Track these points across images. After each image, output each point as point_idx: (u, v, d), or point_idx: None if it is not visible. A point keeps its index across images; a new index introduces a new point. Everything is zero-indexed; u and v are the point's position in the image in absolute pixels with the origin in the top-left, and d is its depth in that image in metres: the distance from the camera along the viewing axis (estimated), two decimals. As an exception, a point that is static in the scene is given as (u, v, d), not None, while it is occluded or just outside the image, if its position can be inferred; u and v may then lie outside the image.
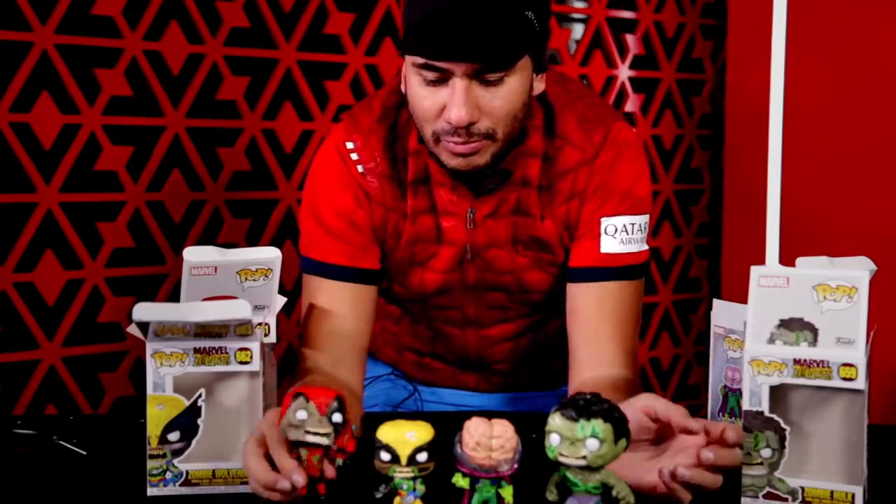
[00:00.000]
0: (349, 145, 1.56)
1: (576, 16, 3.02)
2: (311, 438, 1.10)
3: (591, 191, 1.53)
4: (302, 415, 1.09)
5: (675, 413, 1.16)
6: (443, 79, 1.41)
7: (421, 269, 1.59)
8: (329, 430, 1.10)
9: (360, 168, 1.56)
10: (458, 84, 1.40)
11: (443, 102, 1.42)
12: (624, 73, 3.10)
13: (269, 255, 1.43)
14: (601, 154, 1.53)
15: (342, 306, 1.56)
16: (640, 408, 1.18)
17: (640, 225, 1.55)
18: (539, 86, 1.50)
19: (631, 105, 3.12)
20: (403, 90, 1.50)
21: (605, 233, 1.53)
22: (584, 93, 1.61)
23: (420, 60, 1.41)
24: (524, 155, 1.53)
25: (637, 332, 1.58)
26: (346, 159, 1.56)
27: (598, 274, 1.53)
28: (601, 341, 1.52)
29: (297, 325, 1.63)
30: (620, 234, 1.54)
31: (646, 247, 1.56)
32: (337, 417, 1.09)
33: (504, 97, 1.42)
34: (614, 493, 1.02)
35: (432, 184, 1.55)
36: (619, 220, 1.54)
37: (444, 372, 1.74)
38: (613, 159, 1.53)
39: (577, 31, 3.02)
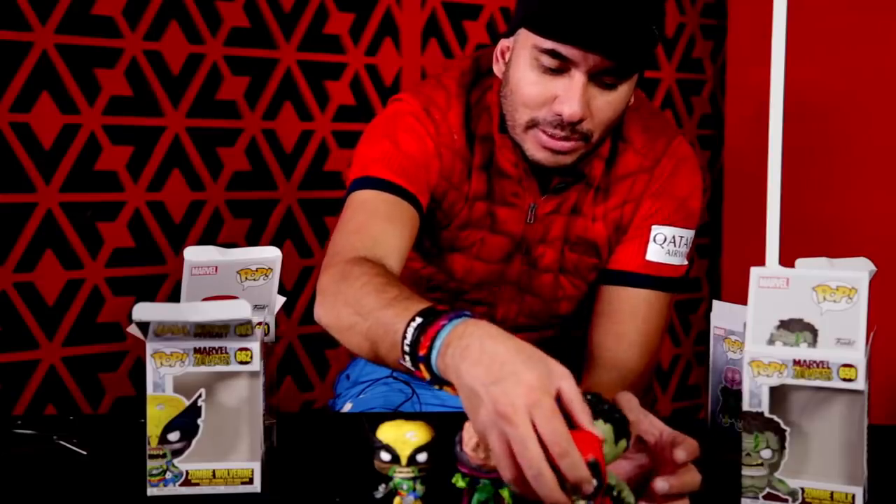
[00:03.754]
0: (428, 111, 1.51)
1: (576, 16, 3.02)
2: None
3: (647, 196, 1.53)
4: None
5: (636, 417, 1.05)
6: (561, 69, 1.38)
7: (465, 257, 1.56)
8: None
9: (437, 130, 1.50)
10: (579, 78, 1.37)
11: (553, 93, 1.39)
12: (624, 73, 3.10)
13: (270, 254, 1.43)
14: (662, 162, 1.53)
15: (393, 217, 1.44)
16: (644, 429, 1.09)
17: (686, 239, 1.55)
18: (633, 99, 1.48)
19: (631, 105, 3.12)
20: (498, 72, 1.46)
21: (654, 241, 1.53)
22: (646, 102, 1.61)
23: (547, 45, 1.36)
24: (593, 156, 1.52)
25: (660, 344, 1.58)
26: (426, 121, 1.50)
27: (638, 280, 1.53)
28: (627, 346, 1.52)
29: (313, 300, 1.42)
30: (668, 245, 1.53)
31: (686, 262, 1.56)
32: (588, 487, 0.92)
33: (613, 103, 1.41)
34: (615, 492, 1.02)
35: (493, 172, 1.53)
36: (669, 231, 1.53)
37: None
38: (673, 170, 1.54)
39: (577, 31, 3.02)
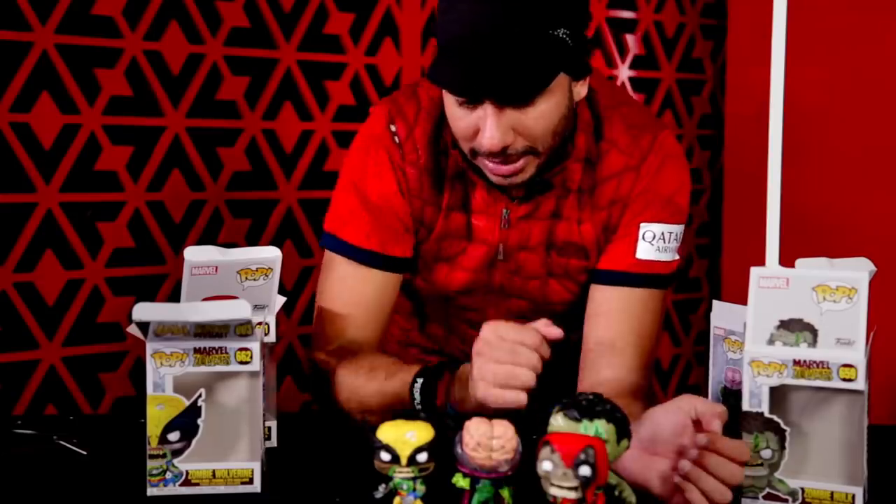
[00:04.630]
0: (392, 128, 1.54)
1: (576, 16, 3.02)
2: (556, 492, 0.97)
3: (634, 196, 1.52)
4: (547, 466, 0.97)
5: (708, 412, 1.13)
6: (474, 100, 1.39)
7: (448, 266, 1.58)
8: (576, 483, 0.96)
9: (401, 153, 1.54)
10: (490, 110, 1.38)
11: (476, 124, 1.40)
12: (624, 73, 3.10)
13: (270, 254, 1.43)
14: (647, 161, 1.52)
15: (368, 294, 1.55)
16: (681, 406, 1.16)
17: (676, 234, 1.54)
18: (581, 90, 1.47)
19: (631, 105, 3.12)
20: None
21: (643, 238, 1.52)
22: (630, 99, 1.61)
23: None
24: (569, 160, 1.52)
25: (656, 341, 1.57)
26: (389, 144, 1.54)
27: (631, 279, 1.52)
28: (622, 347, 1.51)
29: (313, 300, 1.62)
30: (657, 242, 1.52)
31: (677, 257, 1.55)
32: (585, 470, 0.95)
33: (539, 117, 1.40)
34: (616, 492, 1.02)
35: (468, 181, 1.54)
36: (658, 228, 1.52)
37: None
38: (659, 167, 1.53)
39: (577, 31, 3.02)
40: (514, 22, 1.34)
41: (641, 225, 1.52)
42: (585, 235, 1.54)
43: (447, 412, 1.37)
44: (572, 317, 1.61)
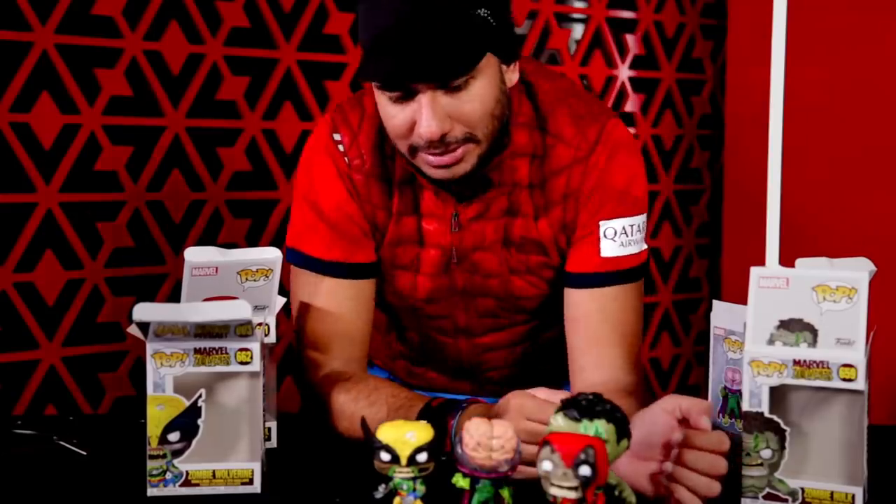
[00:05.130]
0: (336, 137, 1.55)
1: (576, 16, 3.02)
2: (556, 492, 0.96)
3: (586, 191, 1.51)
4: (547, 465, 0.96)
5: (694, 409, 1.15)
6: (407, 95, 1.39)
7: (410, 273, 1.58)
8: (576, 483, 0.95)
9: (346, 160, 1.54)
10: (424, 99, 1.38)
11: (412, 118, 1.40)
12: (624, 73, 3.10)
13: (270, 255, 1.43)
14: (596, 152, 1.50)
15: (343, 305, 1.55)
16: (665, 408, 1.17)
17: (638, 225, 1.53)
18: (512, 76, 1.48)
19: (631, 105, 3.12)
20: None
21: (605, 236, 1.51)
22: (576, 90, 1.58)
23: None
24: (511, 157, 1.51)
25: (640, 333, 1.57)
26: (334, 152, 1.55)
27: (600, 279, 1.52)
28: (605, 346, 1.51)
29: (290, 319, 1.61)
30: (620, 237, 1.52)
31: (645, 246, 1.55)
32: (585, 470, 0.95)
33: (473, 100, 1.40)
34: (616, 492, 1.02)
35: (417, 185, 1.54)
36: (619, 223, 1.52)
37: (438, 381, 1.73)
38: (609, 158, 1.51)
39: (577, 31, 3.02)
40: (436, 4, 1.35)
41: (601, 223, 1.51)
42: (542, 231, 1.53)
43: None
44: (546, 311, 1.61)
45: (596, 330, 1.51)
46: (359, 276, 1.56)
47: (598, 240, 1.51)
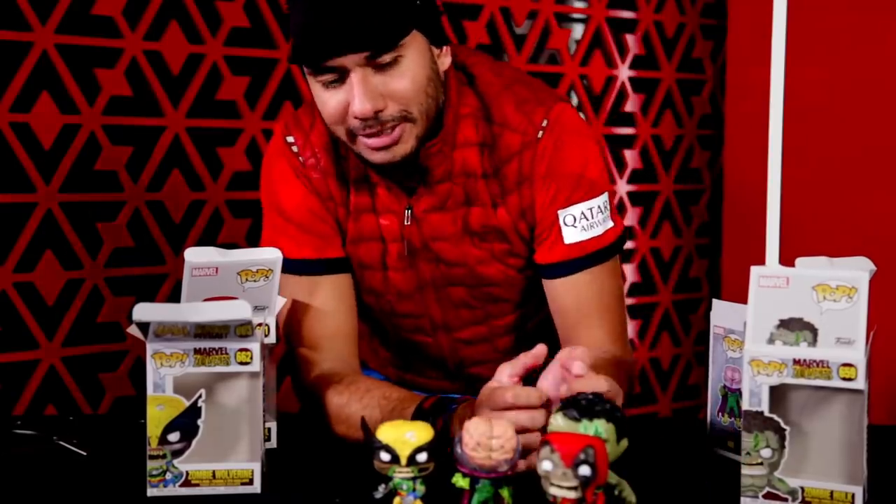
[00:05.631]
0: (289, 139, 1.57)
1: (576, 16, 3.02)
2: (556, 492, 0.96)
3: (538, 177, 1.51)
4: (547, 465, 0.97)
5: (564, 357, 1.24)
6: (339, 78, 1.40)
7: (379, 272, 1.58)
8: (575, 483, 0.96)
9: (300, 160, 1.56)
10: (354, 77, 1.39)
11: (345, 100, 1.41)
12: (624, 73, 3.10)
13: (270, 255, 1.43)
14: (544, 136, 1.50)
15: (324, 303, 1.56)
16: (559, 361, 1.26)
17: (599, 206, 1.53)
18: (445, 61, 1.49)
19: (631, 105, 3.12)
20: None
21: (565, 224, 1.52)
22: (520, 77, 1.59)
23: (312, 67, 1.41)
24: (457, 147, 1.52)
25: (622, 310, 1.58)
26: (287, 154, 1.57)
27: (569, 267, 1.53)
28: (587, 329, 1.53)
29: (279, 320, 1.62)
30: (581, 222, 1.52)
31: (610, 224, 1.54)
32: (584, 470, 0.95)
33: (403, 76, 1.41)
34: (616, 492, 1.03)
35: (371, 183, 1.55)
36: (577, 209, 1.52)
37: (429, 383, 1.73)
38: (557, 142, 1.51)
39: (577, 31, 3.02)
40: None
41: (559, 212, 1.51)
42: (501, 219, 1.54)
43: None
44: (523, 302, 1.62)
45: (575, 317, 1.54)
46: (334, 270, 1.57)
47: (559, 229, 1.52)
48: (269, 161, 1.61)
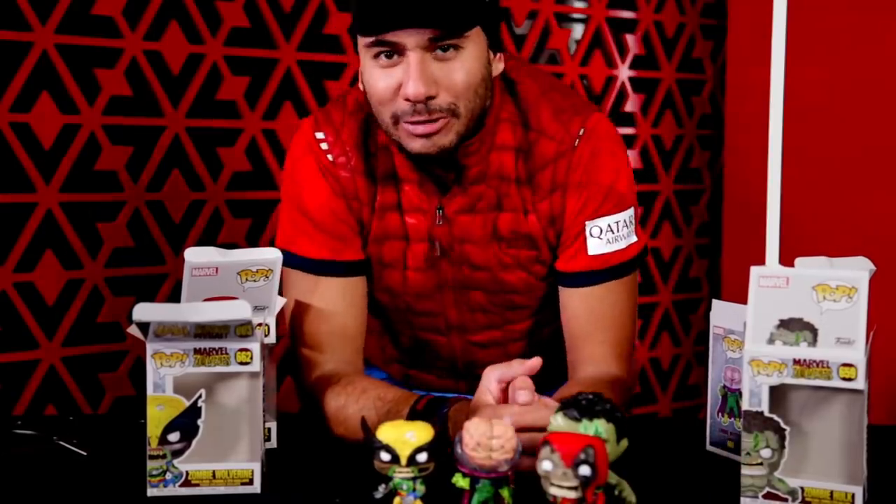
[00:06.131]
0: (319, 136, 1.56)
1: (576, 16, 3.02)
2: (556, 492, 0.96)
3: (572, 185, 1.52)
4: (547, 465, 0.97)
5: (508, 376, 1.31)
6: (395, 56, 1.40)
7: (399, 271, 1.58)
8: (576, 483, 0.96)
9: (330, 158, 1.55)
10: (413, 57, 1.38)
11: (398, 81, 1.40)
12: (624, 73, 3.10)
13: (270, 255, 1.43)
14: (579, 145, 1.51)
15: (335, 304, 1.55)
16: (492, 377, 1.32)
17: (625, 221, 1.53)
18: (498, 66, 1.49)
19: (631, 105, 3.12)
20: (361, 86, 1.49)
21: (591, 235, 1.52)
22: (558, 85, 1.59)
23: (371, 39, 1.39)
24: (494, 149, 1.52)
25: (632, 326, 1.58)
26: (317, 151, 1.56)
27: (588, 278, 1.53)
28: (593, 344, 1.53)
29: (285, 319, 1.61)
30: (606, 235, 1.52)
31: (634, 239, 1.54)
32: (584, 470, 0.95)
33: (460, 69, 1.41)
34: (616, 492, 1.03)
35: (398, 180, 1.54)
36: (604, 221, 1.52)
37: (434, 382, 1.73)
38: (592, 152, 1.51)
39: (577, 31, 3.02)
40: None
41: (587, 223, 1.52)
42: (532, 226, 1.54)
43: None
44: (540, 310, 1.61)
45: (584, 328, 1.54)
46: (349, 273, 1.56)
47: (584, 239, 1.53)
48: (295, 157, 1.59)
